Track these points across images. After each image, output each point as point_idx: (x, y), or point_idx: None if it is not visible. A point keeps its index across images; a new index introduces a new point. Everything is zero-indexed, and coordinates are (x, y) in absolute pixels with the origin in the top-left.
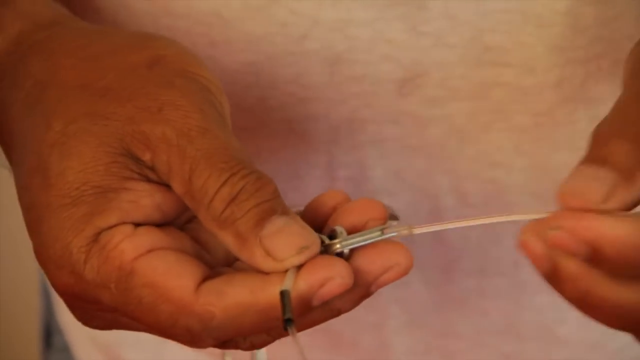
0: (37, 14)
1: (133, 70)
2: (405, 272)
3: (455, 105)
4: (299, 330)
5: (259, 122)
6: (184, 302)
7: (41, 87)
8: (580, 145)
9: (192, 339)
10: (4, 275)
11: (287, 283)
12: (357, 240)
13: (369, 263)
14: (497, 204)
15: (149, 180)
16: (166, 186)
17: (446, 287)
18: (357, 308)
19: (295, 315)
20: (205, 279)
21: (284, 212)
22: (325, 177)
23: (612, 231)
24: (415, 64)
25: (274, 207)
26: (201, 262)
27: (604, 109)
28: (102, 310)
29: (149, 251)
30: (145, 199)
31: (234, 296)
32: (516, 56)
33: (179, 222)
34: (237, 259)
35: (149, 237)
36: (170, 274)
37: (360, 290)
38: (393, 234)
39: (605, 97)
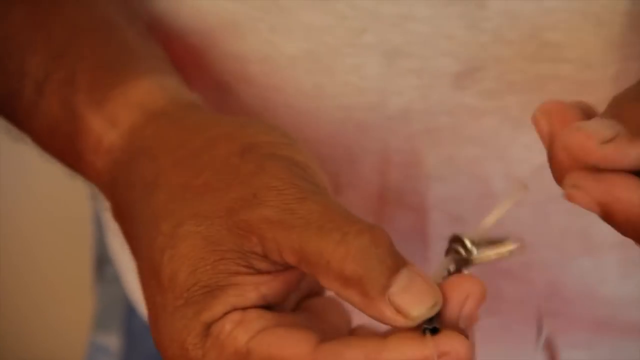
0: (148, 104)
1: (226, 162)
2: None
3: (511, 98)
4: None
5: (315, 107)
6: None
7: (149, 189)
8: None
9: None
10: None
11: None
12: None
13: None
14: (550, 187)
15: (257, 271)
16: (274, 274)
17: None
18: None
19: None
20: (320, 342)
21: (404, 264)
22: (380, 162)
23: (626, 196)
24: (472, 59)
25: (396, 262)
26: (315, 331)
27: None
28: None
29: (260, 331)
30: (251, 293)
31: (351, 358)
32: (574, 52)
33: (289, 305)
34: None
35: (258, 320)
36: (285, 345)
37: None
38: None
39: None
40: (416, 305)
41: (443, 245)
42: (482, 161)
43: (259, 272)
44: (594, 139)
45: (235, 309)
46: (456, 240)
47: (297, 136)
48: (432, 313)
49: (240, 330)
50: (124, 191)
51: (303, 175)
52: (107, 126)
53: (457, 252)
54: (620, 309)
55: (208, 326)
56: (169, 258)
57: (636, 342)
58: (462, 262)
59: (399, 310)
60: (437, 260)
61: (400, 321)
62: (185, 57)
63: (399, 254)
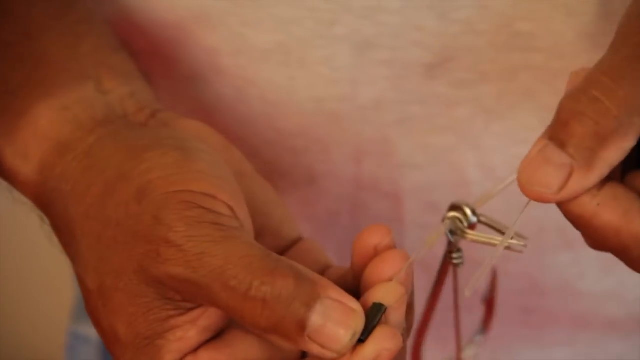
0: (53, 133)
1: (127, 212)
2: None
3: (484, 87)
4: None
5: (288, 99)
6: None
7: (69, 238)
8: None
9: None
10: None
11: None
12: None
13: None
14: None
15: (187, 310)
16: (205, 305)
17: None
18: None
19: None
20: None
21: (316, 296)
22: (354, 151)
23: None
24: (444, 49)
25: (307, 299)
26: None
27: None
28: None
29: None
30: (191, 331)
31: None
32: (545, 42)
33: None
34: None
35: None
36: None
37: None
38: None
39: None
40: (337, 339)
41: (419, 232)
42: (455, 150)
43: (190, 309)
44: (548, 194)
45: (185, 355)
46: (456, 208)
47: (268, 129)
48: (355, 340)
49: None
50: (53, 227)
51: (199, 217)
52: (20, 160)
53: (455, 220)
54: (600, 305)
55: None
56: (104, 315)
57: (617, 338)
58: (458, 232)
59: (323, 347)
60: (413, 247)
61: (328, 355)
62: (161, 49)
63: (308, 285)
